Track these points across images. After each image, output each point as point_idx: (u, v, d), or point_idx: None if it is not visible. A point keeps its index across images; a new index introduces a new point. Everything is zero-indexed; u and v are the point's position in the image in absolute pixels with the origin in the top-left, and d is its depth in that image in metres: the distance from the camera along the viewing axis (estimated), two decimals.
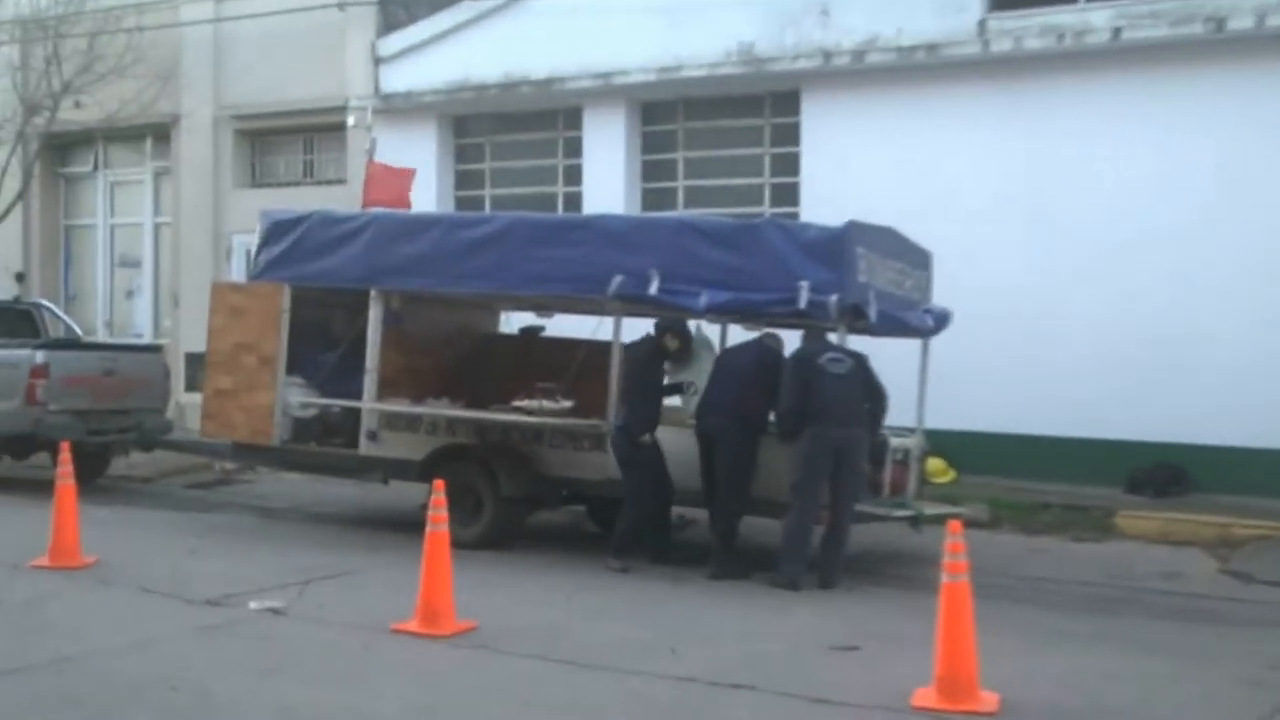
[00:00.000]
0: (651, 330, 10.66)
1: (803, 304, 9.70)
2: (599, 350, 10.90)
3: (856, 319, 9.87)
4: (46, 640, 7.37)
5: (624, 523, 10.11)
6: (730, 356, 10.65)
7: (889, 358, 11.34)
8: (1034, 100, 14.21)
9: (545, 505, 11.38)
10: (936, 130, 14.64)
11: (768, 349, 10.32)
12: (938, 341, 11.38)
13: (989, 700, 6.29)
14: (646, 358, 10.34)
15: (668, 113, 16.78)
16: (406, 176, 14.71)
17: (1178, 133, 13.50)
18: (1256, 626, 8.63)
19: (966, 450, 13.86)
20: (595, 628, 8.04)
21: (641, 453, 10.04)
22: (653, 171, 16.85)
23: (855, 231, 9.94)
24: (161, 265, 20.73)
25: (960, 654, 6.30)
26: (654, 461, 10.11)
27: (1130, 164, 13.70)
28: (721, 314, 10.80)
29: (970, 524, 9.18)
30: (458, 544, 8.21)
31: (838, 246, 9.83)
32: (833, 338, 9.88)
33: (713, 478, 10.00)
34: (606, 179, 16.55)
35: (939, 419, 11.84)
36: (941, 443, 13.03)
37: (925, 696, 6.34)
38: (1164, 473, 13.09)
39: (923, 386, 11.25)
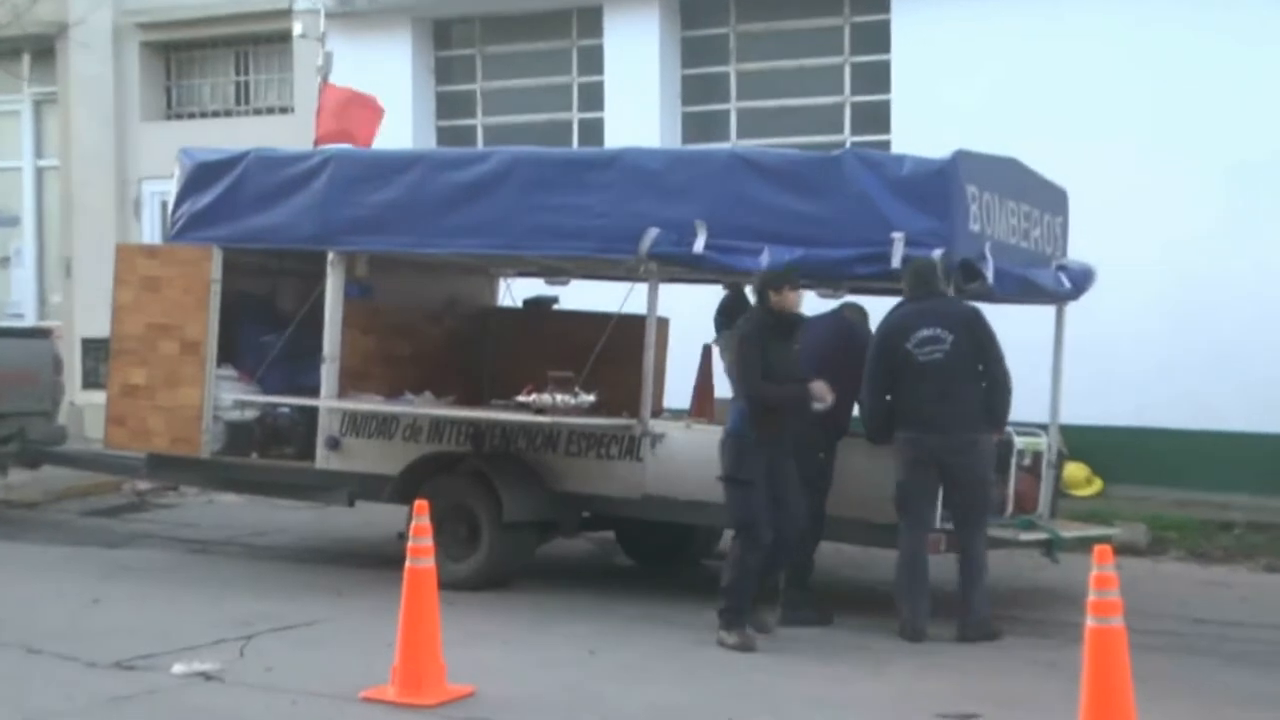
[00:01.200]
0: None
1: (897, 262, 9.72)
2: (630, 327, 10.95)
3: (969, 280, 9.88)
4: None
5: (734, 572, 9.50)
6: (804, 336, 10.64)
7: (1012, 329, 11.39)
8: None
9: (560, 531, 11.45)
10: (1068, 31, 14.58)
11: (847, 323, 10.34)
12: (1076, 309, 11.36)
13: None
14: (755, 330, 9.71)
15: (716, 11, 16.79)
16: (371, 111, 14.76)
17: None
18: None
19: (1115, 453, 13.84)
20: (626, 692, 8.07)
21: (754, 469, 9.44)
22: (697, 91, 16.86)
23: (965, 165, 9.95)
24: (47, 223, 20.88)
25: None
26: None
27: None
28: None
29: (1123, 550, 9.16)
30: (447, 583, 8.29)
31: (943, 185, 9.86)
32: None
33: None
34: (636, 101, 16.59)
35: (1078, 412, 11.83)
36: (1082, 443, 13.01)
37: None
38: None
39: (1057, 368, 11.24)
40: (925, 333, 9.58)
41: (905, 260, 9.72)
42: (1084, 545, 8.70)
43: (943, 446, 9.42)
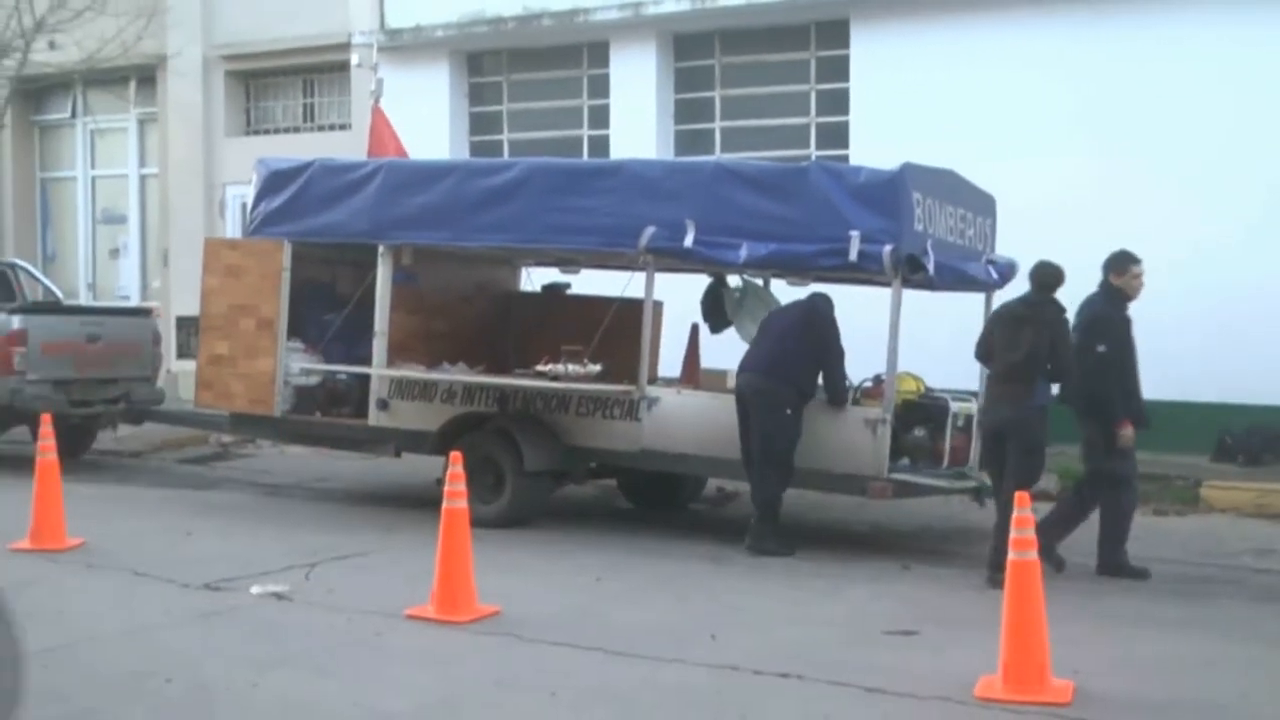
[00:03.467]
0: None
1: (854, 255, 9.70)
2: (630, 309, 10.90)
3: (913, 272, 9.84)
4: (29, 629, 7.40)
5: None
6: (775, 316, 10.68)
7: (949, 314, 11.36)
8: (1119, 15, 13.99)
9: (572, 479, 11.41)
10: (1003, 59, 14.48)
11: (815, 308, 10.31)
12: (1003, 295, 11.27)
13: (1062, 690, 6.28)
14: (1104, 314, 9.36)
15: (703, 46, 16.70)
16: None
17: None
18: None
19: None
20: (628, 612, 8.07)
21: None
22: (687, 112, 16.78)
23: (911, 174, 9.91)
24: (149, 221, 20.84)
25: (1029, 639, 6.30)
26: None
27: (1228, 83, 13.49)
28: (763, 267, 10.77)
29: (1040, 496, 9.13)
30: (477, 522, 8.27)
31: (892, 191, 9.82)
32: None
33: (751, 444, 10.03)
34: (636, 120, 16.50)
35: None
36: None
37: (990, 686, 6.33)
38: (1257, 438, 12.97)
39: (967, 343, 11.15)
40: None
41: (861, 254, 9.70)
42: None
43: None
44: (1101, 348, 9.14)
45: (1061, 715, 6.09)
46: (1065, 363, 9.04)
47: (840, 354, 10.09)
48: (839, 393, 10.03)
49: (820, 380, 10.00)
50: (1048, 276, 9.17)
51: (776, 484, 9.98)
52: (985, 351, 9.46)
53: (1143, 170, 13.74)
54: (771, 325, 10.39)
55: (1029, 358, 8.99)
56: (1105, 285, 9.42)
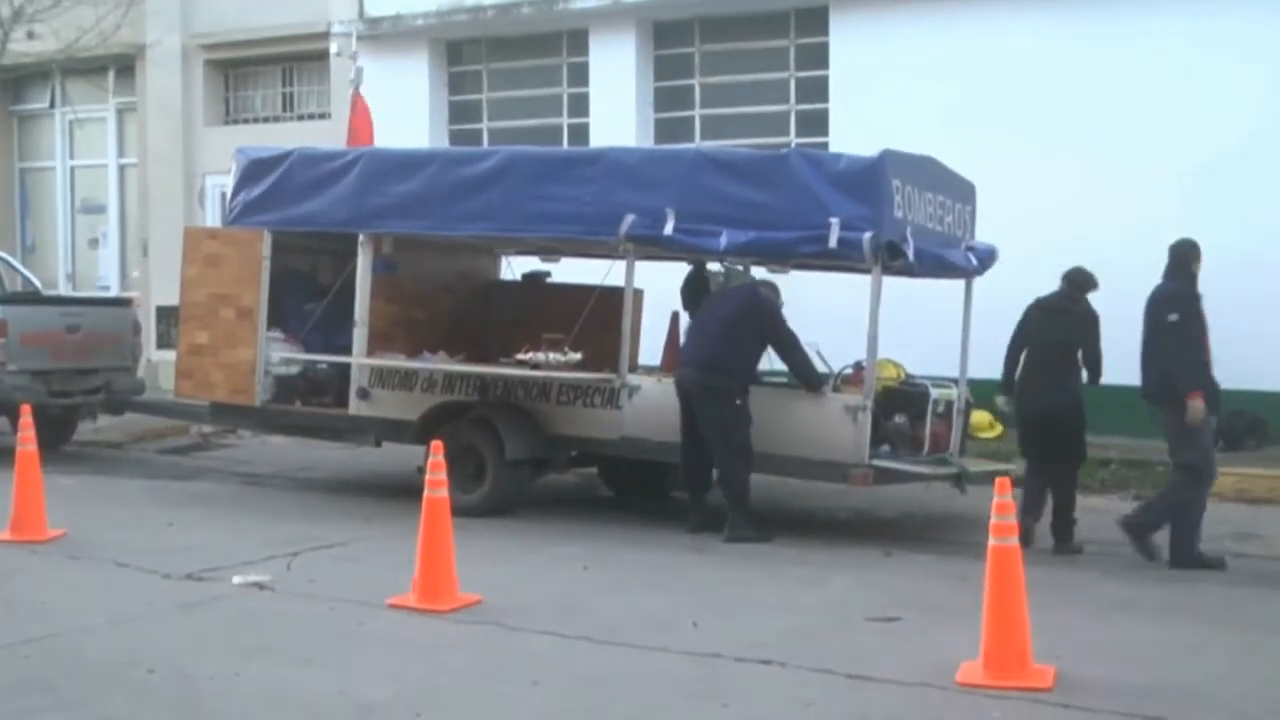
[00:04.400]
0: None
1: (834, 242, 9.68)
2: (611, 297, 10.87)
3: (893, 259, 9.83)
4: (11, 620, 7.41)
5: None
6: (713, 305, 10.72)
7: (930, 300, 11.35)
8: (1101, 4, 14.00)
9: (553, 468, 11.39)
10: (982, 46, 14.48)
11: (760, 296, 10.37)
12: (983, 282, 11.30)
13: (1043, 675, 6.28)
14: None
15: (683, 34, 16.66)
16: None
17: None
18: None
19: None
20: (611, 601, 8.05)
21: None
22: (667, 100, 16.75)
23: (891, 161, 9.89)
24: (128, 211, 20.74)
25: (1010, 625, 6.30)
26: None
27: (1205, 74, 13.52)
28: (744, 255, 10.76)
29: (1020, 483, 9.14)
30: (459, 511, 8.23)
31: (872, 178, 9.80)
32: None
33: (694, 435, 10.05)
34: (616, 109, 16.47)
35: (985, 368, 11.78)
36: (988, 393, 12.96)
37: (971, 672, 6.33)
38: (1239, 423, 12.96)
39: (966, 332, 11.18)
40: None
41: (841, 241, 9.69)
42: (987, 479, 8.70)
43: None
44: (1173, 317, 9.20)
45: (1042, 701, 6.09)
46: (1097, 354, 9.75)
47: (792, 338, 10.12)
48: (810, 376, 10.05)
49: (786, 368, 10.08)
50: (1081, 278, 9.94)
51: (742, 472, 9.99)
52: (1020, 341, 9.87)
53: (1124, 159, 13.76)
54: (711, 315, 10.41)
55: (1068, 344, 9.67)
56: (1183, 272, 9.45)
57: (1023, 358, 10.00)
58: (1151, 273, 9.56)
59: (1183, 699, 6.19)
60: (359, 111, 14.59)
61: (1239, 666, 6.81)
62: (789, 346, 10.06)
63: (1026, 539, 8.80)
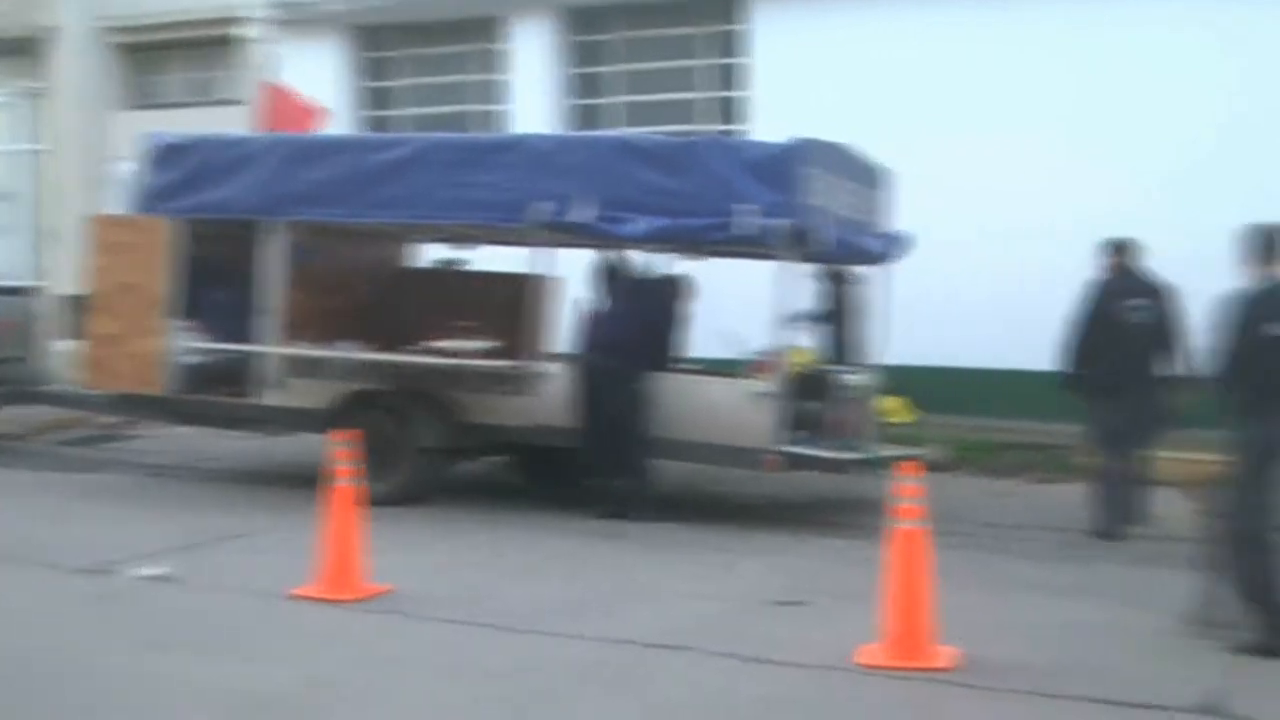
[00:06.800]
0: None
1: (745, 229, 9.74)
2: (527, 285, 10.87)
3: (806, 246, 9.90)
4: None
5: None
6: (618, 293, 10.84)
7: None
8: None
9: (466, 455, 11.36)
10: (904, 33, 14.56)
11: (676, 287, 10.46)
12: (905, 270, 11.39)
13: (945, 656, 6.37)
14: None
15: (602, 20, 16.63)
16: (314, 114, 14.46)
17: None
18: None
19: (929, 388, 13.93)
20: (523, 588, 8.07)
21: None
22: (587, 87, 16.73)
23: (804, 148, 9.95)
24: (39, 197, 20.39)
25: (911, 607, 6.38)
26: None
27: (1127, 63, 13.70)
28: (658, 242, 10.76)
29: (931, 467, 9.20)
30: (372, 500, 8.21)
31: (784, 165, 9.86)
32: None
33: (600, 420, 10.16)
34: (534, 96, 16.42)
35: (900, 353, 11.91)
36: (902, 379, 13.10)
37: (874, 654, 6.42)
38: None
39: (877, 320, 11.26)
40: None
41: (753, 228, 9.74)
42: (896, 463, 8.80)
43: None
44: None
45: (944, 681, 6.20)
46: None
47: (687, 324, 10.32)
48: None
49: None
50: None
51: (641, 455, 10.14)
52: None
53: (1042, 142, 13.90)
54: (617, 301, 10.51)
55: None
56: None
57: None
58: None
59: (1083, 678, 6.31)
60: (283, 97, 14.40)
61: (1138, 644, 6.94)
62: (668, 333, 10.25)
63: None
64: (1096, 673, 6.43)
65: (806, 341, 11.19)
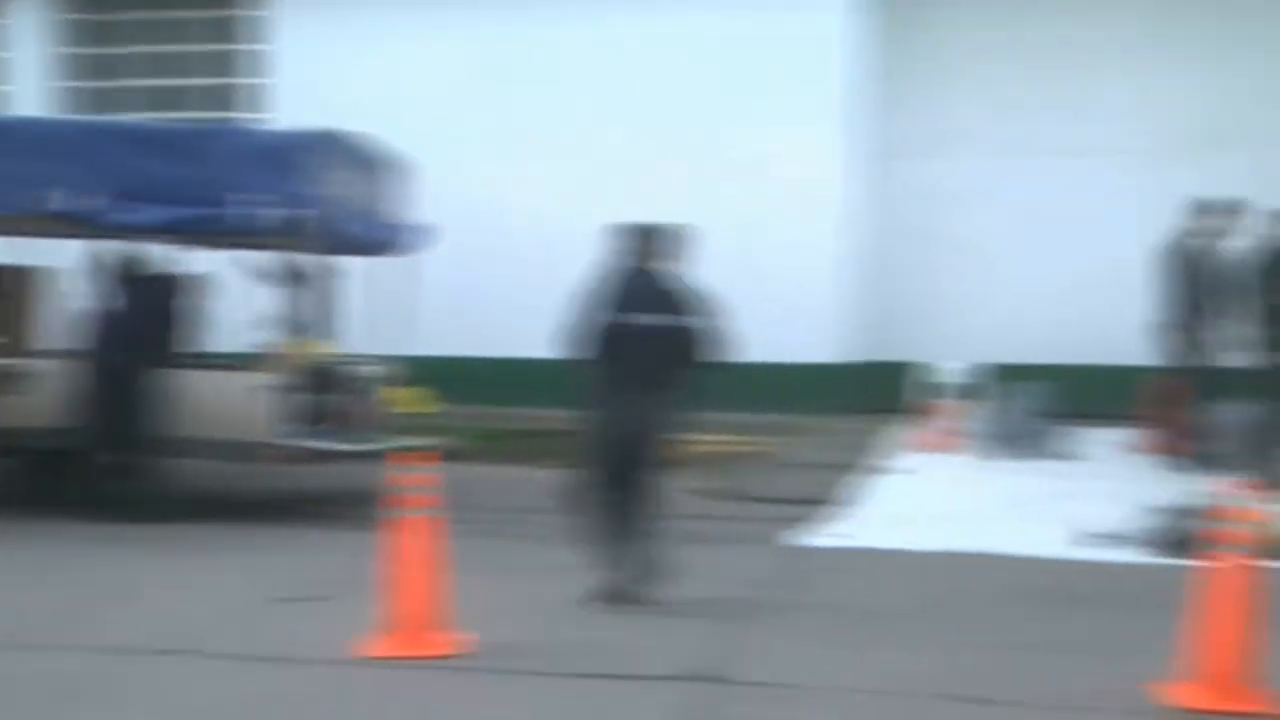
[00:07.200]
0: None
1: (250, 219, 9.58)
2: (20, 278, 10.27)
3: (307, 236, 9.78)
4: None
5: None
6: (127, 287, 10.47)
7: (362, 278, 11.39)
8: None
9: None
10: (428, 30, 14.68)
11: (184, 282, 10.31)
12: (433, 261, 11.43)
13: (451, 643, 6.38)
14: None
15: (110, 1, 15.93)
16: None
17: None
18: (736, 544, 9.29)
19: (458, 379, 14.07)
20: (7, 598, 7.58)
21: None
22: (98, 69, 15.96)
23: (316, 139, 9.92)
24: None
25: (413, 594, 6.37)
26: None
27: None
28: (164, 233, 10.36)
29: (453, 456, 9.28)
30: None
31: (301, 155, 9.77)
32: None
33: (103, 418, 9.90)
34: (34, 77, 15.55)
35: (431, 346, 11.98)
36: (429, 371, 13.17)
37: (378, 644, 6.39)
38: None
39: (400, 311, 11.23)
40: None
41: (259, 218, 9.54)
42: (404, 453, 8.83)
43: None
44: None
45: (446, 667, 6.23)
46: None
47: (193, 318, 10.13)
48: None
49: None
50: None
51: (148, 455, 9.90)
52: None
53: (570, 136, 14.31)
54: (120, 297, 10.22)
55: None
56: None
57: None
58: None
59: (587, 655, 6.48)
60: None
61: (634, 620, 7.21)
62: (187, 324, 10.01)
63: None
64: (598, 647, 6.61)
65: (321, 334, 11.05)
